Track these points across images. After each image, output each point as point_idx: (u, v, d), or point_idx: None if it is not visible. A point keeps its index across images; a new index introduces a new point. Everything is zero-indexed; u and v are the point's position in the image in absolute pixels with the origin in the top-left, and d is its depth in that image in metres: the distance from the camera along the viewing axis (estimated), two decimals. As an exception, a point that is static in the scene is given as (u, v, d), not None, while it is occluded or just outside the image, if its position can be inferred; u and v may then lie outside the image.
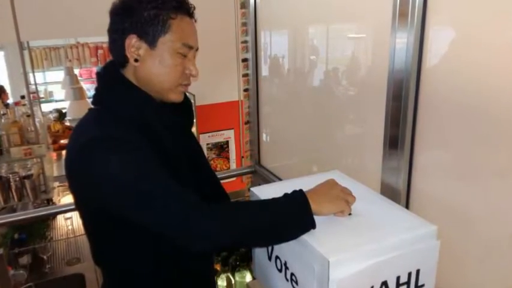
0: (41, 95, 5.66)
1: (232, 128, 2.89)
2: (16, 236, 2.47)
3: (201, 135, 2.90)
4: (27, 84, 2.45)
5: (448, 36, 0.96)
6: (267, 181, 1.93)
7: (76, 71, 5.24)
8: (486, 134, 0.89)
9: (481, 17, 0.87)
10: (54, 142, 3.96)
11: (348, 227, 0.85)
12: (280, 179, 1.87)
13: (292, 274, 0.88)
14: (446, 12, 0.95)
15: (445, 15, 0.95)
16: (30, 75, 3.84)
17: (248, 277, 1.75)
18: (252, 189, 1.05)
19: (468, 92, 0.91)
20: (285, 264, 0.90)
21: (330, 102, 1.46)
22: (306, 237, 0.81)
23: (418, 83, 1.02)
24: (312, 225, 0.82)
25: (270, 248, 0.97)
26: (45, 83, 6.13)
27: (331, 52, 1.46)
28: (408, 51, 1.00)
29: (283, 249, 0.90)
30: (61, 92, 5.21)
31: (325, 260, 0.74)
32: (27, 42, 4.02)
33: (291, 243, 0.84)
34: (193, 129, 3.04)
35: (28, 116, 2.49)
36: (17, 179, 2.36)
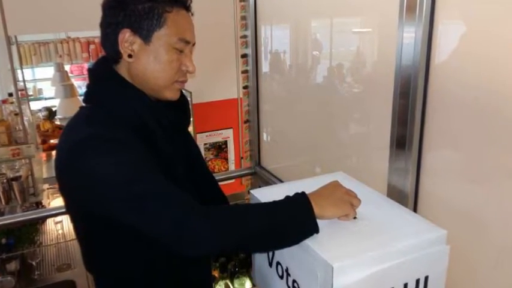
0: (30, 93, 5.67)
1: (231, 127, 2.90)
2: (3, 240, 2.47)
3: (198, 135, 2.91)
4: (15, 81, 2.46)
5: (458, 31, 0.96)
6: (267, 183, 1.93)
7: (67, 67, 5.25)
8: (499, 134, 0.89)
9: (493, 11, 0.87)
10: (44, 142, 3.96)
11: (352, 232, 0.85)
12: (281, 181, 1.87)
13: (294, 281, 0.88)
14: (456, 5, 0.95)
15: (455, 8, 0.96)
16: (18, 71, 3.85)
17: (248, 284, 1.75)
18: (251, 191, 1.05)
19: (480, 89, 0.91)
20: (287, 270, 0.91)
21: (333, 100, 1.47)
22: (308, 242, 0.81)
23: (426, 79, 1.02)
24: (315, 229, 0.82)
25: (270, 254, 0.97)
26: (34, 80, 6.14)
27: (335, 47, 1.46)
28: (416, 47, 1.00)
29: (285, 255, 0.91)
30: (51, 89, 5.21)
31: (329, 266, 0.74)
32: (15, 37, 4.02)
33: (293, 248, 0.84)
34: (190, 129, 3.04)
35: (16, 114, 2.51)
36: (5, 180, 2.38)
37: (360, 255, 0.77)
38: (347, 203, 0.86)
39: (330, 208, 0.85)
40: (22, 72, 4.10)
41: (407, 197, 1.10)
